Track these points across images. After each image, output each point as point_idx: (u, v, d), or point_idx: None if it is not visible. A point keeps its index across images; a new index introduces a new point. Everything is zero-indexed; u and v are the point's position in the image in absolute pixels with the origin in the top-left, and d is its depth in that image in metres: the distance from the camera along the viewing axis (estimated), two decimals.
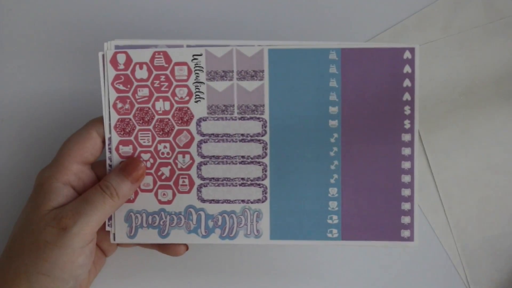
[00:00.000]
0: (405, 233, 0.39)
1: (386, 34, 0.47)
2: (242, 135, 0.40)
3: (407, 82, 0.39)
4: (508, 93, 0.46)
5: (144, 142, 0.40)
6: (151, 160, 0.40)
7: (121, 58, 0.40)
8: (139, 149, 0.40)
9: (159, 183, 0.40)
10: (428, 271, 0.45)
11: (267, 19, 0.47)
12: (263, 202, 0.40)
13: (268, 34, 0.47)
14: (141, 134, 0.40)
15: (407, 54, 0.39)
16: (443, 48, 0.47)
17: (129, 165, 0.39)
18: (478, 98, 0.46)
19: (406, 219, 0.39)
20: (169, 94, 0.40)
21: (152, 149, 0.40)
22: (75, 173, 0.39)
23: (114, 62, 0.40)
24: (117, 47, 0.39)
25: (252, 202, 0.40)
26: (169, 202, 0.40)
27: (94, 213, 0.37)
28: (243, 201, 0.40)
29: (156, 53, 0.39)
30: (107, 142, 0.40)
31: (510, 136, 0.45)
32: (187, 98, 0.40)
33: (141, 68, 0.40)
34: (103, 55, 0.40)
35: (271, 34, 0.47)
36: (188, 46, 0.39)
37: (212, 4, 0.47)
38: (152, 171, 0.40)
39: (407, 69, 0.39)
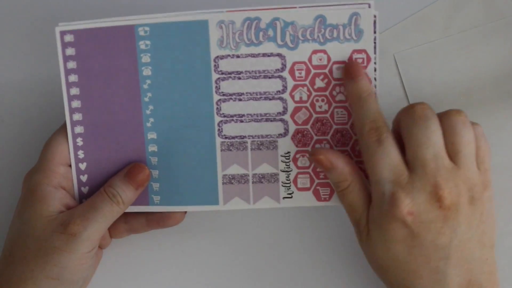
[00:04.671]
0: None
1: (386, 34, 0.47)
2: None
3: None
4: (508, 93, 0.46)
5: None
6: None
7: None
8: None
9: None
10: None
11: None
12: None
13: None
14: None
15: None
16: (443, 48, 0.47)
17: (133, 171, 0.40)
18: (478, 98, 0.46)
19: None
20: None
21: None
22: (63, 174, 0.40)
23: None
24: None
25: None
26: None
27: (103, 220, 0.38)
28: None
29: None
30: None
31: (510, 136, 0.46)
32: None
33: None
34: None
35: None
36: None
37: None
38: None
39: None
